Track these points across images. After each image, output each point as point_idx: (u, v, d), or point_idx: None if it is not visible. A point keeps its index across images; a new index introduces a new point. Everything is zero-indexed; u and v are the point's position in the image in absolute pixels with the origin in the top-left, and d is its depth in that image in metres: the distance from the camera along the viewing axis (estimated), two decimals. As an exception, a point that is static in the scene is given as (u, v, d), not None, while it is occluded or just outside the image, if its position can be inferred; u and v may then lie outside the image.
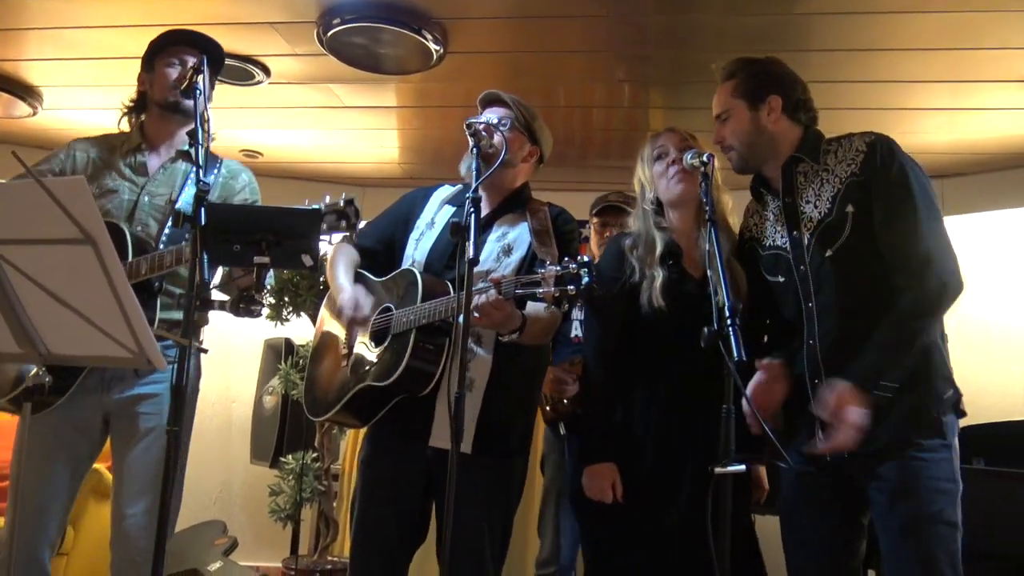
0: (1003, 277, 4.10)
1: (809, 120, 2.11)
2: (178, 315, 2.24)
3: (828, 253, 1.96)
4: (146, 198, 2.32)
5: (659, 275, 2.18)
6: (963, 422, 1.99)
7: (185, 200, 2.31)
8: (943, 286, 1.85)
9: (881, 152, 1.95)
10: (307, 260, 1.97)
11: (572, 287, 1.80)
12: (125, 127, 2.45)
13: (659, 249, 2.21)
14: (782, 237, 2.07)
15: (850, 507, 1.98)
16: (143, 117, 2.42)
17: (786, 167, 2.08)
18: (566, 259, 1.83)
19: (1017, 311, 4.06)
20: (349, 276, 2.32)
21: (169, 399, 1.79)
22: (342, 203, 2.05)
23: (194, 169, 2.33)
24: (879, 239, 1.92)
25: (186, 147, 2.39)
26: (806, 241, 2.01)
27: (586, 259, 1.82)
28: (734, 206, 2.33)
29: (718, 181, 2.22)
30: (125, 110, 2.44)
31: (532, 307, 2.09)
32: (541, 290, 1.84)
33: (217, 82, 3.02)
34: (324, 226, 2.06)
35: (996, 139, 3.70)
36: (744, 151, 2.09)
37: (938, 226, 1.91)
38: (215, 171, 2.41)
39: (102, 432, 2.32)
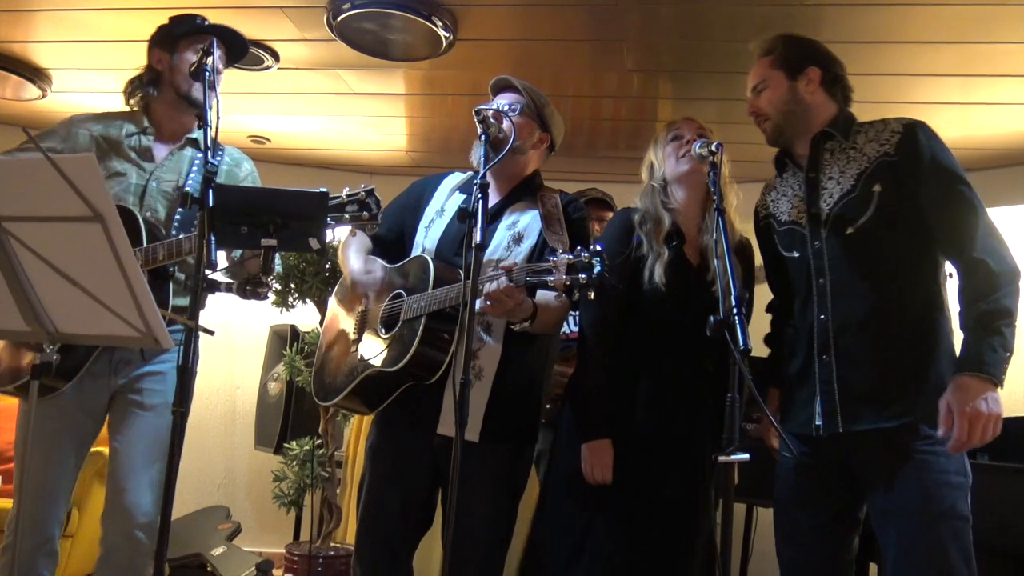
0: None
1: (844, 99, 2.11)
2: (185, 301, 2.24)
3: (849, 231, 1.95)
4: (154, 183, 2.32)
5: (665, 253, 2.18)
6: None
7: (193, 184, 2.31)
8: (1015, 265, 1.86)
9: (924, 136, 1.94)
10: (314, 243, 1.98)
11: (584, 276, 1.79)
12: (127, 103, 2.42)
13: (666, 226, 2.22)
14: (800, 212, 2.06)
15: (846, 501, 1.99)
16: (151, 95, 2.37)
17: (815, 141, 2.07)
18: (578, 247, 1.83)
19: (1025, 308, 4.05)
20: (361, 258, 2.32)
21: (174, 378, 1.80)
22: (362, 192, 2.06)
23: (200, 156, 2.35)
24: (933, 224, 1.91)
25: (195, 134, 2.39)
26: (824, 216, 2.00)
27: (598, 247, 1.81)
28: (739, 203, 2.32)
29: (725, 175, 2.22)
30: (131, 87, 2.40)
31: (542, 295, 2.08)
32: (552, 278, 1.83)
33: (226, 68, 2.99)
34: (346, 216, 2.08)
35: (1007, 134, 3.67)
36: (780, 119, 2.09)
37: (986, 214, 1.92)
38: (219, 157, 2.40)
39: (106, 414, 2.33)
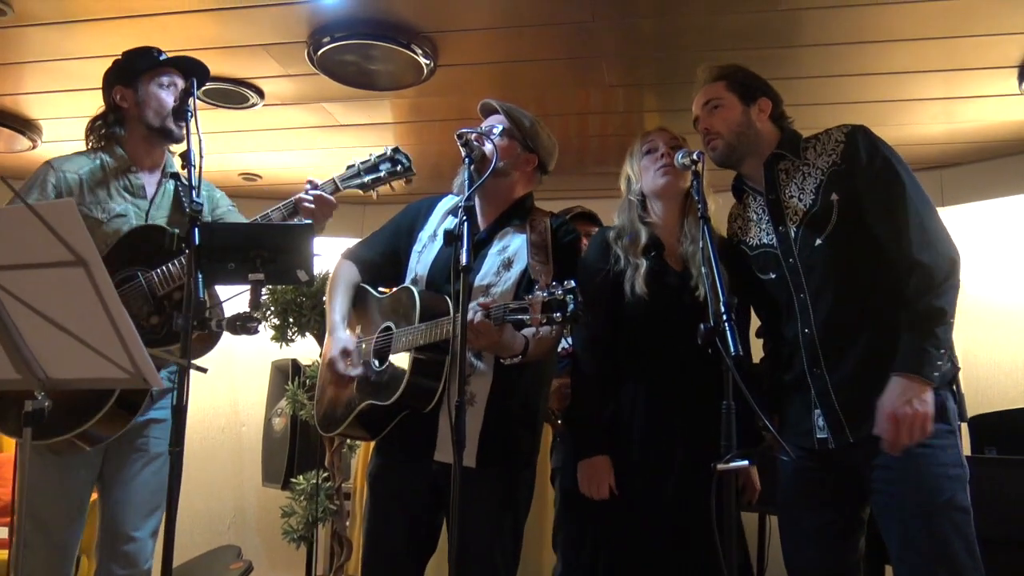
0: (1009, 265, 4.07)
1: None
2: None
3: (817, 242, 1.99)
4: (151, 222, 2.32)
5: (642, 264, 2.20)
6: (973, 411, 1.98)
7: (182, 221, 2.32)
8: (951, 260, 1.88)
9: (863, 142, 2.00)
10: (302, 275, 1.98)
11: (558, 314, 1.80)
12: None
13: (643, 240, 2.24)
14: (768, 235, 2.10)
15: (849, 501, 1.99)
16: (119, 135, 2.33)
17: (768, 164, 2.12)
18: (553, 284, 1.84)
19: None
20: (343, 309, 2.31)
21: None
22: (388, 151, 2.08)
23: (180, 190, 2.35)
24: (877, 230, 1.95)
25: (174, 169, 2.40)
26: (793, 234, 2.04)
27: (572, 284, 1.82)
28: (717, 208, 2.33)
29: (705, 182, 2.24)
30: (95, 128, 2.36)
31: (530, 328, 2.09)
32: (529, 316, 1.85)
33: (211, 106, 3.04)
34: (383, 174, 2.10)
35: (992, 126, 3.67)
36: (732, 140, 2.13)
37: (933, 211, 1.94)
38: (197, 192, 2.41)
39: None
